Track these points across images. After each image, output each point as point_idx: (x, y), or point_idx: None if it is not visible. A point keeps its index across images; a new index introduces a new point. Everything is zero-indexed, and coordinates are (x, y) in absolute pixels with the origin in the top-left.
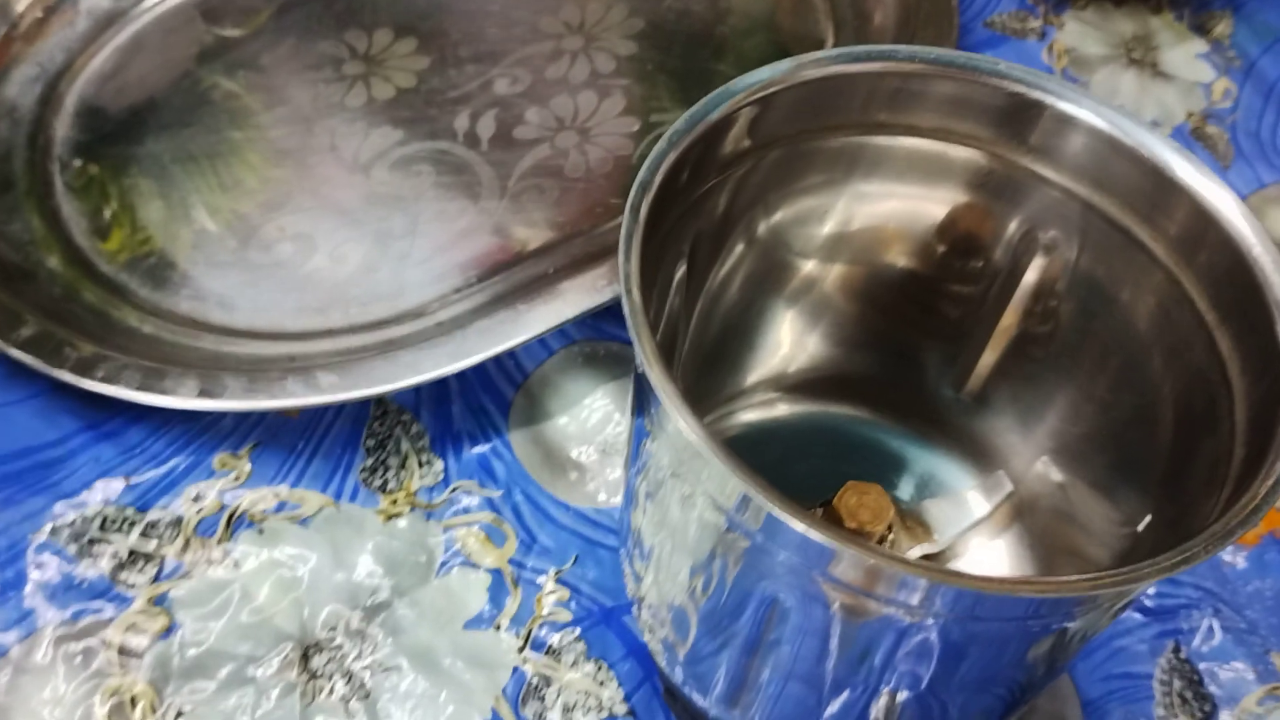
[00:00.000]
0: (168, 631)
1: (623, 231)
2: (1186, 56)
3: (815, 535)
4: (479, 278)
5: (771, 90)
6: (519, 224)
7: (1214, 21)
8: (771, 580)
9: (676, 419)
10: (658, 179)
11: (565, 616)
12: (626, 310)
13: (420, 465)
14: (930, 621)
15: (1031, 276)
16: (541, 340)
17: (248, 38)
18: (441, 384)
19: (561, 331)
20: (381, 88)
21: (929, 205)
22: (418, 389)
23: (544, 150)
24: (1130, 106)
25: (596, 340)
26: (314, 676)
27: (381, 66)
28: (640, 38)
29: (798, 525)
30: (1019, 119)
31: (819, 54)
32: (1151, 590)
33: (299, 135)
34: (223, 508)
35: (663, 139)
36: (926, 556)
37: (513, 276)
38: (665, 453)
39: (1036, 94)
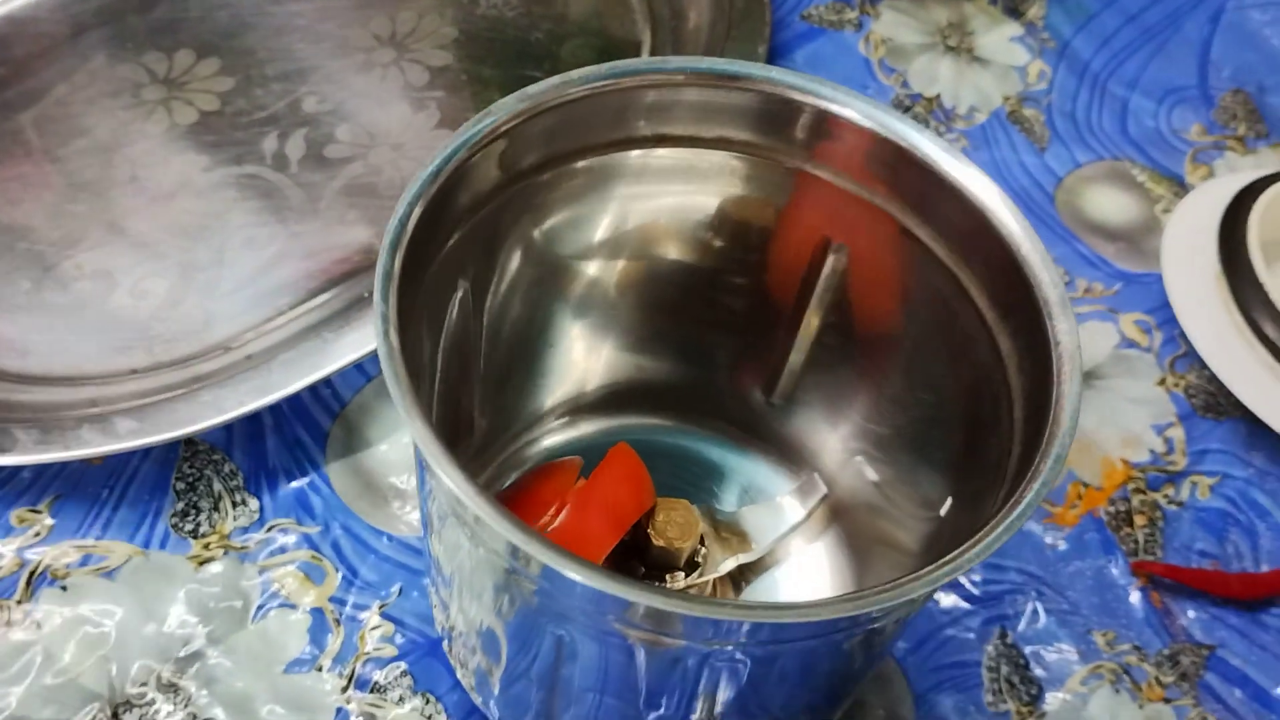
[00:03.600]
0: None
1: (379, 272)
2: (1001, 40)
3: (593, 584)
4: (291, 305)
5: (522, 119)
6: (332, 247)
7: (1027, 4)
8: (565, 621)
9: (441, 475)
10: (414, 218)
11: (390, 651)
12: (382, 354)
13: (234, 505)
14: (731, 647)
15: (824, 275)
16: (358, 367)
17: (41, 66)
18: (254, 419)
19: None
20: (184, 112)
21: (701, 199)
22: (229, 426)
23: (357, 168)
24: (948, 93)
25: None
26: None
27: (183, 90)
28: (453, 47)
29: (575, 575)
30: (787, 122)
31: (583, 71)
32: (977, 578)
33: (97, 166)
34: (22, 565)
35: (415, 180)
36: (745, 565)
37: (328, 302)
38: (441, 495)
39: (805, 98)
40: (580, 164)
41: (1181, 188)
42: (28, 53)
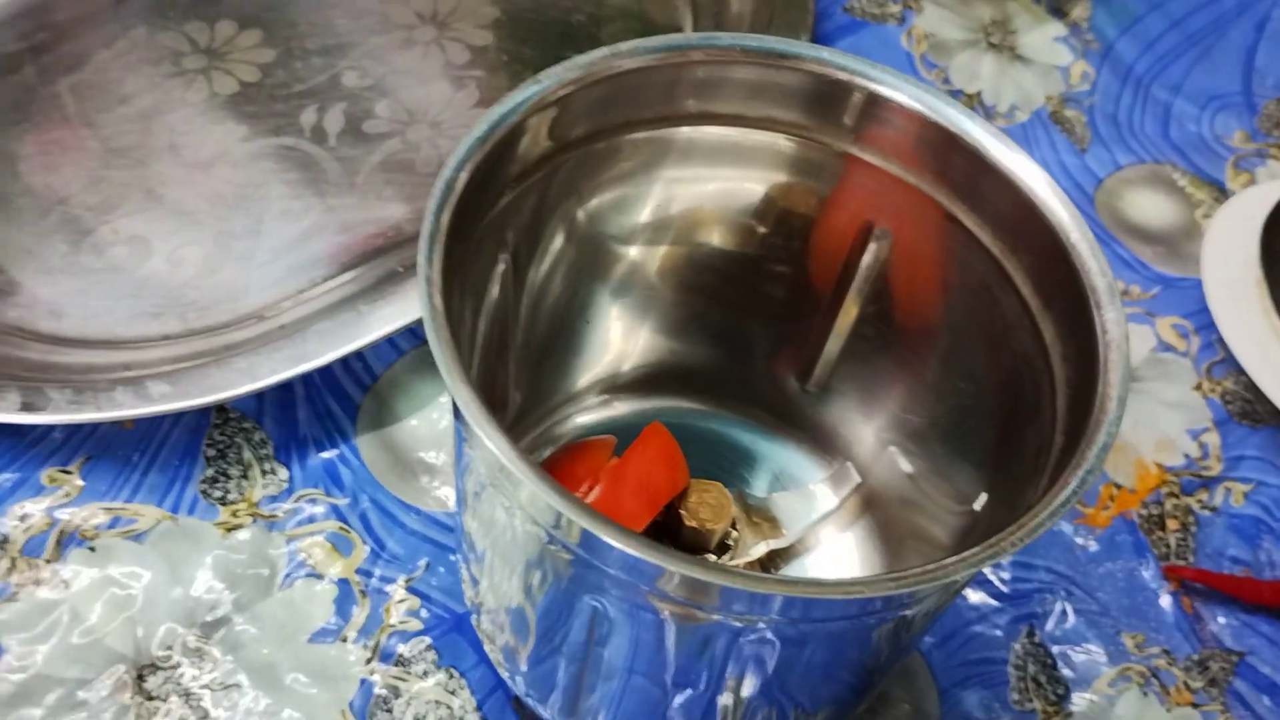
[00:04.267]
0: None
1: (423, 235)
2: (1045, 40)
3: (633, 551)
4: (325, 277)
5: (573, 88)
6: (368, 221)
7: (1072, 4)
8: (599, 592)
9: (481, 434)
10: (460, 183)
11: (415, 625)
12: (426, 317)
13: (263, 474)
14: (763, 625)
15: (865, 262)
16: (390, 341)
17: (84, 31)
18: (286, 389)
19: (411, 332)
20: (224, 82)
21: (747, 185)
22: (260, 395)
23: (395, 144)
24: (990, 91)
25: None
26: (149, 698)
27: (224, 60)
28: (495, 27)
29: (615, 542)
30: (837, 104)
31: (632, 44)
32: (1006, 575)
33: (136, 133)
34: (52, 525)
35: (462, 144)
36: (775, 551)
37: (361, 276)
38: (481, 464)
39: (855, 79)
40: (629, 137)
41: (1222, 193)
42: (70, 17)
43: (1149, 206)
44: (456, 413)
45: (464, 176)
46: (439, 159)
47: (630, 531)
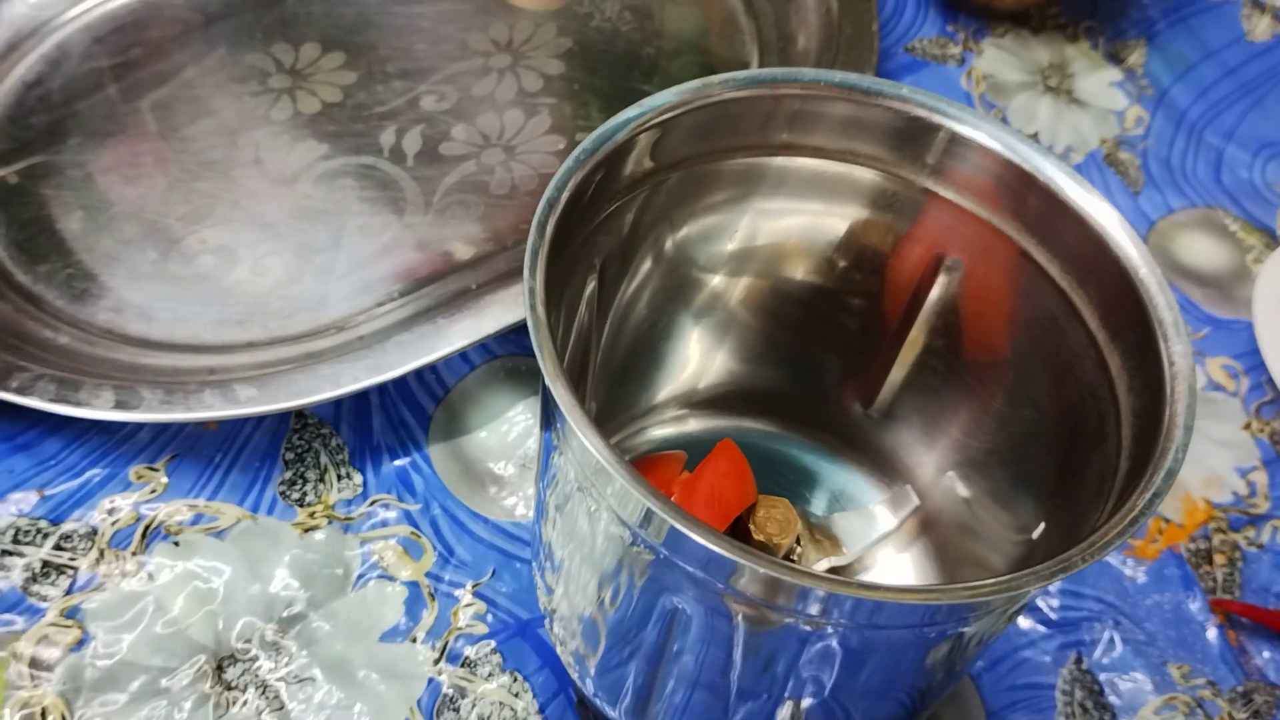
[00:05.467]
0: (80, 644)
1: (529, 248)
2: (1101, 84)
3: (717, 548)
4: (401, 292)
5: (676, 112)
6: (443, 239)
7: (1128, 50)
8: (675, 593)
9: (580, 435)
10: (564, 196)
11: (481, 629)
12: (531, 325)
13: (339, 479)
14: (830, 630)
15: (934, 294)
16: (463, 355)
17: (174, 49)
18: (362, 398)
19: (483, 346)
20: (307, 101)
21: (830, 221)
22: (338, 403)
23: (470, 167)
24: (1046, 132)
25: (518, 355)
26: (228, 688)
27: (308, 80)
28: (568, 57)
29: (699, 539)
30: (918, 141)
31: (725, 76)
32: (1055, 603)
33: (223, 148)
34: (138, 520)
35: (570, 158)
36: (835, 569)
37: (435, 291)
38: (571, 467)
39: (935, 117)
40: (727, 163)
41: (1273, 239)
42: (162, 36)
43: (1200, 249)
44: (546, 424)
45: (565, 196)
46: (511, 182)
47: (716, 531)
